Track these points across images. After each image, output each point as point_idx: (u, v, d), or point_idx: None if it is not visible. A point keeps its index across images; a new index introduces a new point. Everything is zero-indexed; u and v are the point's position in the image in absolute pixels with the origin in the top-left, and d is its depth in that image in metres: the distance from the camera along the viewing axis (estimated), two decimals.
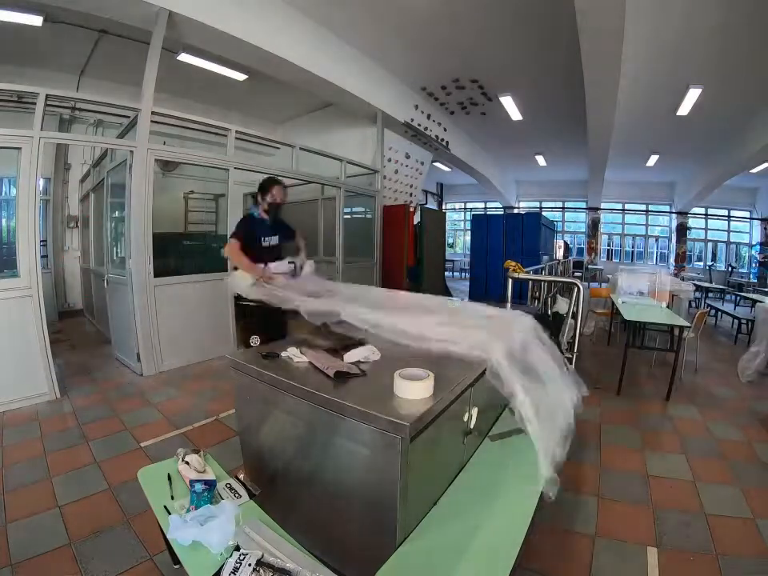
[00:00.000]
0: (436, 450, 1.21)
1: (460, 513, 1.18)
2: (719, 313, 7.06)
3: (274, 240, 2.68)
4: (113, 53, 5.04)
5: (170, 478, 1.40)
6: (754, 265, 12.15)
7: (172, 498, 1.31)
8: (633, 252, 14.35)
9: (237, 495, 1.32)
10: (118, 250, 4.18)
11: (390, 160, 7.01)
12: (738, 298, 8.29)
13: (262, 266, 2.46)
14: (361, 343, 1.57)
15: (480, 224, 7.72)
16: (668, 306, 4.64)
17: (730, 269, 12.12)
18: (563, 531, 1.78)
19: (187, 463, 1.41)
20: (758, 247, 11.92)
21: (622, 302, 4.58)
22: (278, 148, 6.48)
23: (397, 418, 1.00)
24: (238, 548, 1.04)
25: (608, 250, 14.53)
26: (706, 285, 9.03)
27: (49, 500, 1.90)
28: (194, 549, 1.09)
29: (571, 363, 2.67)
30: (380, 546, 1.06)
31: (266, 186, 2.62)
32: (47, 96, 3.02)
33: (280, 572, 0.97)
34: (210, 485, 1.26)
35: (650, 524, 1.83)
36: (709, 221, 13.05)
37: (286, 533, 1.15)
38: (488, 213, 14.71)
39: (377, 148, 6.50)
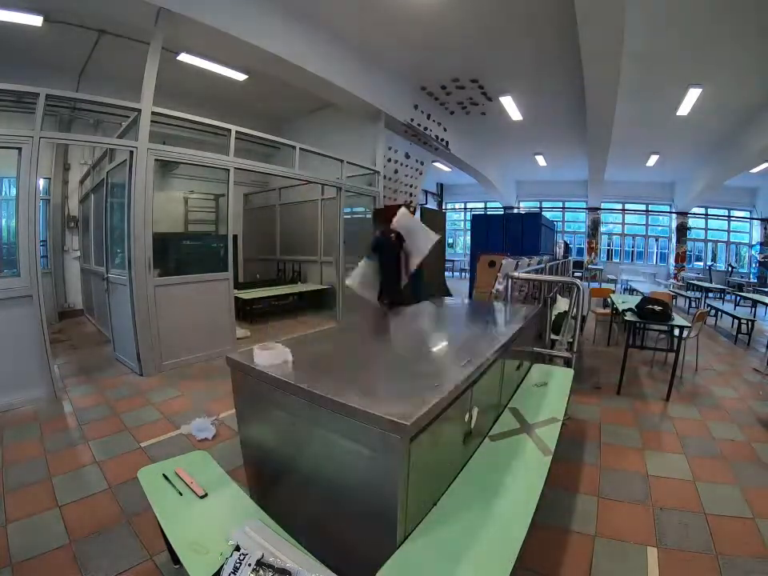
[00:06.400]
0: (436, 450, 1.21)
1: (460, 513, 1.18)
2: (719, 313, 7.06)
3: None
4: (113, 53, 5.05)
5: (169, 478, 1.40)
6: (753, 265, 12.15)
7: None
8: (633, 252, 14.35)
9: None
10: (118, 250, 4.18)
11: (390, 160, 7.00)
12: (738, 298, 8.29)
13: None
14: None
15: (480, 224, 7.72)
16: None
17: (729, 269, 12.12)
18: (563, 531, 1.78)
19: None
20: (758, 247, 11.92)
21: (622, 302, 4.58)
22: (278, 148, 6.49)
23: (397, 418, 0.99)
24: (238, 548, 1.04)
25: (608, 249, 14.52)
26: (706, 285, 9.03)
27: (49, 500, 1.90)
28: (194, 549, 1.08)
29: (571, 363, 2.68)
30: (380, 546, 1.06)
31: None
32: (47, 96, 3.02)
33: (280, 572, 0.96)
34: None
35: (650, 524, 1.83)
36: (709, 221, 13.05)
37: (286, 533, 1.15)
38: (488, 213, 14.70)
39: (377, 148, 6.50)
